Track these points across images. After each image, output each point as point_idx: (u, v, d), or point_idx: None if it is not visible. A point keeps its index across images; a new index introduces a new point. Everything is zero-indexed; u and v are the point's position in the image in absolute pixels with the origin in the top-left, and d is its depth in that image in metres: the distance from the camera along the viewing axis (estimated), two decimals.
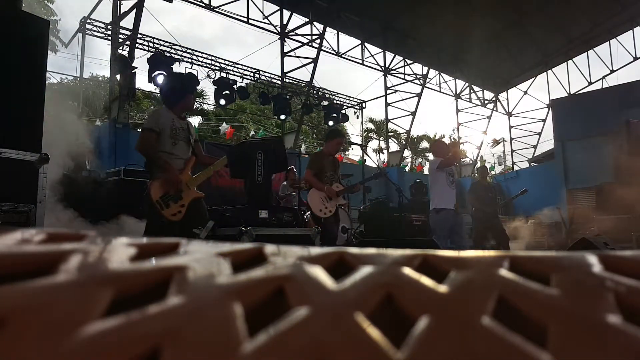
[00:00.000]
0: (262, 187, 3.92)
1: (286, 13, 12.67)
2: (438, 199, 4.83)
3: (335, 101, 13.70)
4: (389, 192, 10.21)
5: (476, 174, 7.10)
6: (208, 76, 10.74)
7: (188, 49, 10.65)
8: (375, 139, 24.35)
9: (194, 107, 3.60)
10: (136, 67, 9.27)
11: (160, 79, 9.54)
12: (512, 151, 18.83)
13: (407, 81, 15.61)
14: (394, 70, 15.37)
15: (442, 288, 0.23)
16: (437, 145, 5.56)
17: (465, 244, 5.00)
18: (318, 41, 12.66)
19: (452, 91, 17.46)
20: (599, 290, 0.23)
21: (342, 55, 14.04)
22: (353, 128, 29.12)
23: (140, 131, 3.20)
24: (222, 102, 10.92)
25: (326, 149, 4.67)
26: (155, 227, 3.02)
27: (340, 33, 13.79)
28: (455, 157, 5.04)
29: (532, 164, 17.67)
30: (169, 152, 3.12)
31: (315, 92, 13.31)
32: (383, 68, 15.20)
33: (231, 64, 11.43)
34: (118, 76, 9.27)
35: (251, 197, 4.00)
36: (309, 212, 4.68)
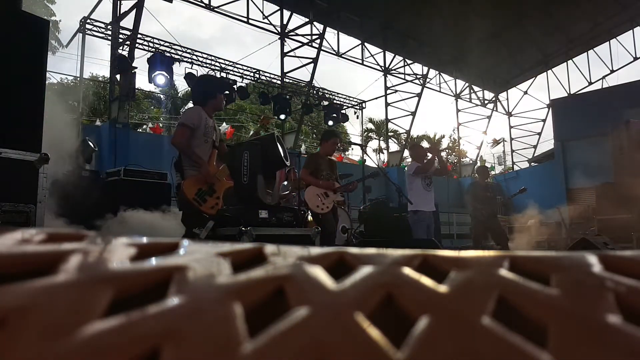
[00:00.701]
0: (248, 187, 3.95)
1: (286, 13, 12.67)
2: (415, 202, 5.13)
3: (335, 101, 13.70)
4: (389, 192, 10.21)
5: (476, 175, 7.11)
6: None
7: (188, 49, 10.65)
8: (375, 139, 24.35)
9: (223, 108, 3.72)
10: (136, 67, 9.28)
11: (160, 79, 9.53)
12: (512, 151, 18.83)
13: (407, 81, 15.61)
14: (394, 70, 15.37)
15: (442, 288, 0.23)
16: (414, 149, 5.75)
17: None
18: (318, 41, 12.66)
19: (452, 91, 17.46)
20: (599, 290, 0.23)
21: (342, 55, 14.03)
22: (353, 128, 29.11)
23: (177, 125, 3.30)
24: None
25: (322, 150, 4.71)
26: (196, 224, 3.13)
27: (340, 33, 13.78)
28: (431, 163, 5.22)
29: (532, 164, 17.67)
30: (199, 149, 3.20)
31: (315, 92, 13.30)
32: (383, 68, 15.20)
33: (231, 64, 11.43)
34: (118, 76, 9.26)
35: (236, 197, 4.04)
36: (309, 211, 4.70)
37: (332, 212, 4.55)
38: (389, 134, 17.56)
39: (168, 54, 10.11)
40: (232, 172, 3.89)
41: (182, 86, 20.67)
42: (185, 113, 3.24)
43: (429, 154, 5.42)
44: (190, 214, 3.19)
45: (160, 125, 17.82)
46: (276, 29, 12.58)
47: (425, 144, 25.80)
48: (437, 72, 16.57)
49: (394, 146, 19.70)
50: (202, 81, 3.56)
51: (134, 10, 9.19)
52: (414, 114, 15.55)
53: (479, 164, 17.25)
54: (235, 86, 10.97)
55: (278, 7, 12.52)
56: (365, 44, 14.58)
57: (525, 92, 18.07)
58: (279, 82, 12.53)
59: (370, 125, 24.40)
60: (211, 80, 3.53)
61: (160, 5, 9.96)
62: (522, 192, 6.86)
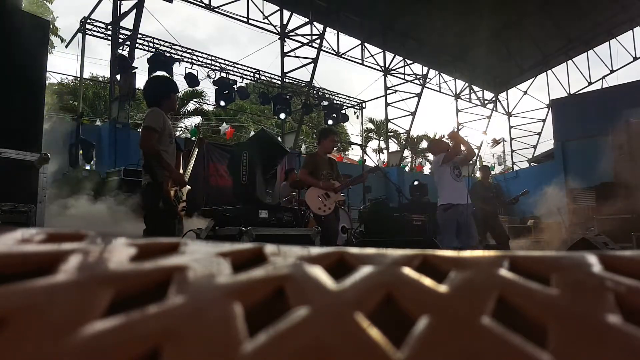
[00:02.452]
0: (247, 187, 3.98)
1: (286, 13, 12.67)
2: (445, 195, 4.56)
3: (335, 101, 13.69)
4: (389, 192, 10.20)
5: (477, 174, 7.11)
6: (208, 76, 10.74)
7: (188, 49, 10.65)
8: (375, 139, 24.32)
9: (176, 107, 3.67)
10: (136, 67, 9.28)
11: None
12: (512, 151, 18.82)
13: (407, 81, 15.61)
14: (394, 70, 15.37)
15: (442, 288, 0.23)
16: (434, 144, 5.37)
17: (473, 243, 4.56)
18: (318, 41, 12.66)
19: (452, 91, 17.45)
20: (599, 290, 0.23)
21: (342, 55, 14.03)
22: (353, 128, 29.07)
23: (143, 129, 3.19)
24: (222, 102, 10.92)
25: (321, 149, 4.66)
26: (167, 225, 3.10)
27: (340, 33, 13.78)
28: (457, 147, 4.73)
29: (532, 164, 17.66)
30: (166, 151, 3.16)
31: (315, 92, 13.30)
32: (383, 68, 15.20)
33: (231, 64, 11.42)
34: (118, 76, 9.26)
35: (235, 197, 4.06)
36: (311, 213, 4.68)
37: (333, 212, 4.52)
38: (389, 134, 17.56)
39: (168, 54, 10.11)
40: (231, 172, 3.91)
41: (182, 86, 20.63)
42: (150, 116, 3.13)
43: (449, 141, 4.88)
44: (164, 213, 3.09)
45: None
46: (276, 29, 12.58)
47: (425, 145, 25.79)
48: (437, 72, 16.57)
49: (393, 146, 19.70)
50: (155, 82, 3.49)
51: (134, 11, 9.20)
52: (414, 114, 15.55)
53: (478, 164, 17.25)
54: (235, 86, 10.97)
55: (278, 7, 12.52)
56: (365, 44, 14.58)
57: (525, 92, 18.08)
58: (279, 82, 12.54)
59: (370, 125, 24.36)
60: (163, 81, 3.48)
61: (156, 6, 9.94)
62: (524, 194, 6.83)
